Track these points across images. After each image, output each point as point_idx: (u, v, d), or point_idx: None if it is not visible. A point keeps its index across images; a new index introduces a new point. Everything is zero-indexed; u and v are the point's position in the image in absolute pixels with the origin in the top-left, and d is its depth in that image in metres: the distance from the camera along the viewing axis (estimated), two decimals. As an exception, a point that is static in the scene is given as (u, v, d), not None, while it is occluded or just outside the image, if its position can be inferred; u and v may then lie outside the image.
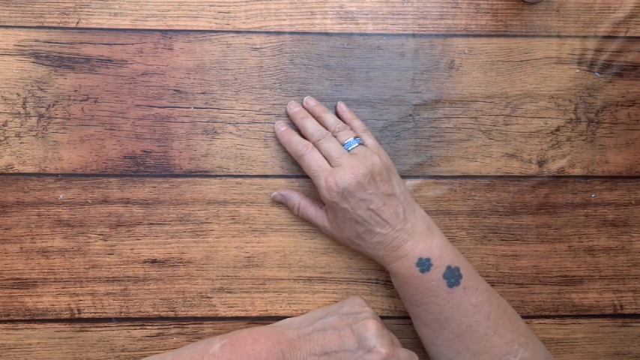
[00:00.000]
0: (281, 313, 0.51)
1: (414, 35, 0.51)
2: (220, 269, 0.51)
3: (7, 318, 0.50)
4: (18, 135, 0.49)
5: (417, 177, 0.51)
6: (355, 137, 0.47)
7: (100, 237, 0.50)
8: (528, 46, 0.51)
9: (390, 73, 0.51)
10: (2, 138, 0.49)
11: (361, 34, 0.51)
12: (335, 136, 0.47)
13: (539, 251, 0.52)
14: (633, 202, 0.52)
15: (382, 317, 0.51)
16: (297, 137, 0.48)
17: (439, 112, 0.51)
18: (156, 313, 0.50)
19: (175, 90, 0.50)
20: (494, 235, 0.52)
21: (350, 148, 0.46)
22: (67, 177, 0.50)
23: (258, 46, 0.50)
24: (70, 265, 0.50)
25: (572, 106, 0.52)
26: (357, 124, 0.49)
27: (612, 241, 0.52)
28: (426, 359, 0.49)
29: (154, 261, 0.50)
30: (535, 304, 0.52)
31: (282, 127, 0.49)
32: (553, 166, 0.52)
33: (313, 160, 0.46)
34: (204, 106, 0.50)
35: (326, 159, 0.46)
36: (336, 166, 0.45)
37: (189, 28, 0.50)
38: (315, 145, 0.47)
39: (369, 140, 0.48)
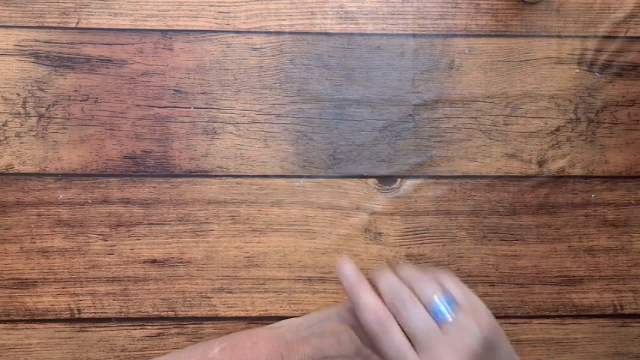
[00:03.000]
0: (281, 313, 0.51)
1: (414, 35, 0.51)
2: (220, 269, 0.51)
3: (7, 318, 0.50)
4: (18, 135, 0.49)
5: (417, 177, 0.51)
6: (444, 295, 0.36)
7: (100, 237, 0.50)
8: (528, 46, 0.51)
9: (390, 73, 0.51)
10: (2, 138, 0.49)
11: (361, 34, 0.51)
12: (417, 295, 0.36)
13: (539, 251, 0.52)
14: (633, 202, 0.52)
15: (382, 317, 0.51)
16: (369, 297, 0.37)
17: (439, 112, 0.51)
18: (156, 313, 0.50)
19: (175, 90, 0.50)
20: (494, 235, 0.52)
21: (440, 317, 0.35)
22: (67, 177, 0.50)
23: (258, 46, 0.50)
24: (70, 265, 0.50)
25: (572, 106, 0.52)
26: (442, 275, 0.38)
27: (612, 241, 0.52)
28: None
29: (154, 261, 0.50)
30: (535, 304, 0.52)
31: (347, 268, 0.38)
32: (553, 166, 0.52)
33: (391, 345, 0.35)
34: (204, 106, 0.50)
35: (407, 337, 0.35)
36: (423, 353, 0.34)
37: (189, 28, 0.50)
38: (391, 309, 0.36)
39: (463, 296, 0.36)
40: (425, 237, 0.51)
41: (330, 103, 0.51)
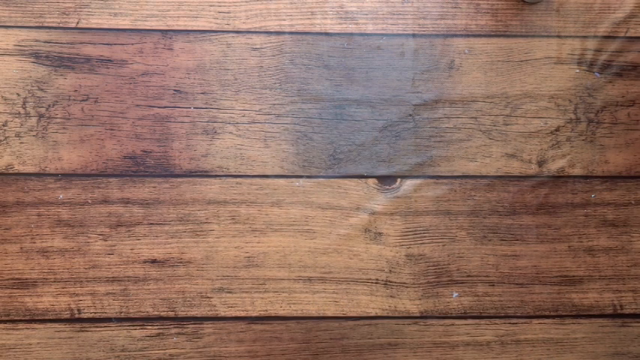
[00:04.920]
0: (281, 313, 0.51)
1: (414, 35, 0.51)
2: (220, 269, 0.51)
3: (7, 318, 0.50)
4: (18, 135, 0.49)
5: (417, 177, 0.51)
6: None
7: (100, 237, 0.50)
8: (528, 46, 0.51)
9: (390, 73, 0.51)
10: (2, 138, 0.49)
11: (361, 34, 0.51)
12: None
13: (539, 251, 0.52)
14: (633, 202, 0.52)
15: (382, 317, 0.51)
16: None
17: (439, 112, 0.51)
18: (156, 313, 0.50)
19: (175, 90, 0.50)
20: (494, 235, 0.52)
21: None
22: (67, 177, 0.50)
23: (258, 46, 0.50)
24: (70, 265, 0.50)
25: (572, 106, 0.52)
26: None
27: (612, 241, 0.52)
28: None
29: (154, 261, 0.50)
30: (535, 304, 0.52)
31: None
32: (553, 166, 0.52)
33: None
34: (204, 106, 0.50)
35: None
36: None
37: (189, 28, 0.50)
38: None
39: None
40: (425, 237, 0.51)
41: (330, 103, 0.51)
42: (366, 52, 0.51)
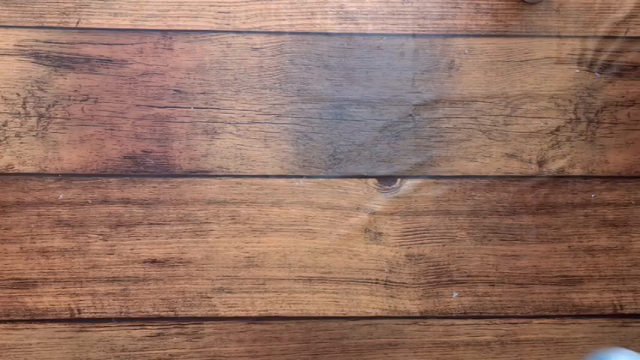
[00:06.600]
0: (281, 313, 0.51)
1: (414, 35, 0.51)
2: (220, 269, 0.51)
3: (7, 318, 0.50)
4: (18, 135, 0.49)
5: (417, 177, 0.51)
6: None
7: (100, 237, 0.50)
8: (528, 46, 0.51)
9: (390, 73, 0.51)
10: (2, 138, 0.49)
11: (361, 34, 0.51)
12: None
13: (539, 251, 0.52)
14: (633, 202, 0.52)
15: (382, 317, 0.51)
16: None
17: (439, 112, 0.51)
18: (156, 313, 0.50)
19: (175, 90, 0.50)
20: (494, 235, 0.52)
21: None
22: (67, 177, 0.50)
23: (258, 46, 0.50)
24: (70, 265, 0.50)
25: (572, 106, 0.52)
26: None
27: (612, 241, 0.52)
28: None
29: (153, 261, 0.50)
30: (535, 304, 0.52)
31: None
32: (553, 166, 0.52)
33: None
34: (204, 106, 0.50)
35: None
36: None
37: (189, 28, 0.50)
38: None
39: None
40: (425, 237, 0.51)
41: (330, 103, 0.51)
42: (366, 52, 0.51)
